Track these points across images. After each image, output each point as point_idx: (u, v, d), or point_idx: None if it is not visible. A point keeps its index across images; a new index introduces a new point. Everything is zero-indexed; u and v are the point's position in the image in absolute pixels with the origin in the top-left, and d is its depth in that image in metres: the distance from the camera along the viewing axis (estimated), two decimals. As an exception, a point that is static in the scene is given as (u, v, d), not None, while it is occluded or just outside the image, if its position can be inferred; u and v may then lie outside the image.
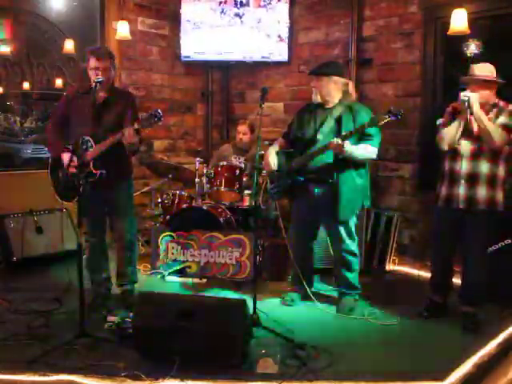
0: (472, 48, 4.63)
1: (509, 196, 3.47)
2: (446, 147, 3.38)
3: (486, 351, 3.06)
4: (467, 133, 3.32)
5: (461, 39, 4.51)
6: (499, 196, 3.33)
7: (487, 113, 3.26)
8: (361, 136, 3.48)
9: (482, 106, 3.23)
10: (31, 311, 3.53)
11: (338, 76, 3.60)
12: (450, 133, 3.33)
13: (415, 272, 4.55)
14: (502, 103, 3.33)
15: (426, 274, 4.04)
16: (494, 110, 3.31)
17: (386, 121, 3.26)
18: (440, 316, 3.57)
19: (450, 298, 3.65)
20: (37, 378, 2.66)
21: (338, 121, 3.55)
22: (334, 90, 3.59)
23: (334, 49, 5.36)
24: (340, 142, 3.34)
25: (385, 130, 3.70)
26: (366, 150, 3.50)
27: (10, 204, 4.59)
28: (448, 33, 4.14)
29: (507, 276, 3.77)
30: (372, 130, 3.46)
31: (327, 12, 5.39)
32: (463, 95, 3.21)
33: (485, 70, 3.32)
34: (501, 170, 3.33)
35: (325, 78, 3.57)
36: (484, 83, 3.29)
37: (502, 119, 3.25)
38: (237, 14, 5.63)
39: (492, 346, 3.13)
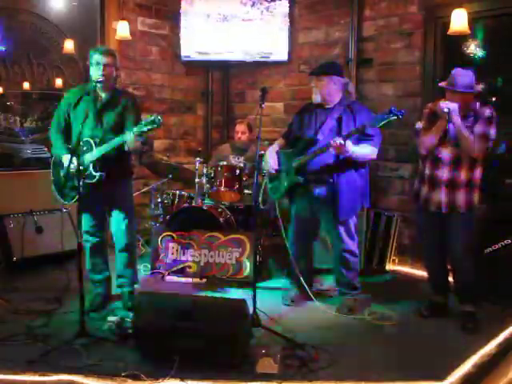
0: (472, 48, 4.63)
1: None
2: (424, 152, 3.45)
3: (485, 351, 3.06)
4: (446, 139, 3.37)
5: (461, 39, 4.52)
6: (475, 198, 3.40)
7: (465, 117, 3.30)
8: (361, 136, 3.48)
9: (460, 111, 3.25)
10: (31, 311, 3.53)
11: (338, 76, 3.60)
12: (430, 140, 3.38)
13: (415, 272, 4.56)
14: (478, 107, 3.35)
15: (426, 274, 4.04)
16: (471, 115, 3.33)
17: (386, 121, 3.26)
18: (440, 316, 3.57)
19: (450, 298, 3.66)
20: (37, 377, 2.66)
21: (338, 121, 3.55)
22: (334, 90, 3.60)
23: (334, 49, 5.35)
24: (341, 141, 3.34)
25: (385, 130, 3.70)
26: (367, 150, 3.51)
27: (10, 204, 4.59)
28: (448, 33, 4.15)
29: (507, 276, 3.77)
30: (372, 130, 3.46)
31: (327, 12, 5.38)
32: (444, 106, 3.23)
33: (465, 80, 3.28)
34: (477, 174, 3.40)
35: (325, 78, 3.57)
36: (462, 96, 3.28)
37: (480, 127, 3.28)
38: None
39: (492, 346, 3.14)
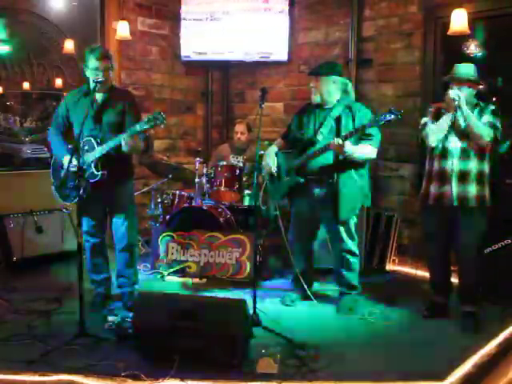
0: (472, 48, 4.63)
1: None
2: (433, 143, 3.42)
3: (485, 351, 3.06)
4: (455, 131, 3.38)
5: (461, 39, 4.52)
6: (487, 192, 3.40)
7: (471, 112, 3.32)
8: (361, 136, 3.48)
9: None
10: (31, 311, 3.53)
11: (337, 76, 3.60)
12: (440, 128, 3.38)
13: (415, 272, 4.55)
14: (482, 103, 3.41)
15: (426, 274, 4.04)
16: (477, 109, 3.38)
17: (386, 121, 3.26)
18: (441, 316, 3.57)
19: (451, 298, 3.66)
20: (37, 377, 2.66)
21: (338, 121, 3.55)
22: (334, 90, 3.60)
23: (334, 49, 5.35)
24: (340, 142, 3.34)
25: (385, 130, 3.70)
26: (366, 150, 3.51)
27: (9, 204, 4.59)
28: (448, 33, 4.15)
29: (507, 276, 3.77)
30: (372, 130, 3.46)
31: (327, 12, 5.39)
32: (453, 93, 3.26)
33: (469, 70, 3.39)
34: (486, 167, 3.41)
35: (324, 78, 3.57)
36: (468, 83, 3.35)
37: (487, 118, 3.33)
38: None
39: (492, 346, 3.13)
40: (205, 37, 5.69)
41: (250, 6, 5.55)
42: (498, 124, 3.31)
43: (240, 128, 5.19)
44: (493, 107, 3.37)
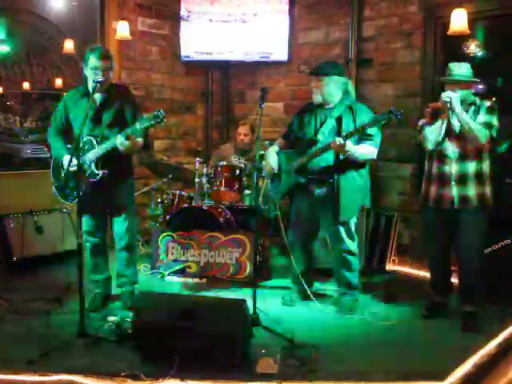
0: (472, 48, 4.64)
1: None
2: (430, 146, 3.43)
3: (485, 351, 3.06)
4: (451, 134, 3.38)
5: (461, 39, 4.52)
6: (488, 191, 3.39)
7: (466, 111, 3.31)
8: (361, 136, 3.48)
9: (461, 103, 3.29)
10: (31, 311, 3.53)
11: (338, 76, 3.60)
12: (434, 132, 3.38)
13: (415, 272, 4.56)
14: (478, 100, 3.39)
15: (426, 274, 4.04)
16: (472, 107, 3.37)
17: (386, 121, 3.26)
18: (441, 316, 3.57)
19: (451, 298, 3.66)
20: (37, 377, 2.65)
21: (339, 121, 3.55)
22: (335, 90, 3.59)
23: (333, 49, 5.36)
24: (342, 141, 3.34)
25: (385, 130, 3.72)
26: (367, 150, 3.51)
27: (9, 204, 4.59)
28: (448, 33, 4.16)
29: (507, 276, 3.77)
30: (372, 130, 3.46)
31: (327, 12, 5.39)
32: (445, 96, 3.25)
33: (464, 70, 3.37)
34: (486, 167, 3.39)
35: (325, 78, 3.57)
36: (463, 84, 3.34)
37: (482, 117, 3.31)
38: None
39: (492, 345, 3.13)
40: (205, 37, 5.70)
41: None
42: (494, 121, 3.29)
43: (243, 129, 5.19)
44: (488, 104, 3.34)
